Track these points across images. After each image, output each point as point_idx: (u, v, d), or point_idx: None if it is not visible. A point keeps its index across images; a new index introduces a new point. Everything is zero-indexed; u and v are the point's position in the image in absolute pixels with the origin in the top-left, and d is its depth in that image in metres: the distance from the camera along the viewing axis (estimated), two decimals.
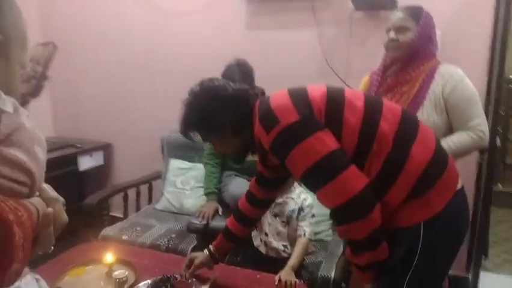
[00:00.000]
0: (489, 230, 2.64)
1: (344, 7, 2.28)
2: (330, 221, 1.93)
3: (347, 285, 1.70)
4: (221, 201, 2.18)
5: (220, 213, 2.10)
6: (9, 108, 0.52)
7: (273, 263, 1.68)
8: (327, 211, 1.10)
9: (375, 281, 1.13)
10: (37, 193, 0.60)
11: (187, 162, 2.48)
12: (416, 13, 1.57)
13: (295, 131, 1.06)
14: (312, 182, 1.10)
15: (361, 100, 1.12)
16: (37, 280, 0.69)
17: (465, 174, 2.08)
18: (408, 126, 1.12)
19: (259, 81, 2.17)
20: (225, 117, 1.19)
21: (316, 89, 1.16)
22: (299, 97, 1.12)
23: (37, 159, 0.57)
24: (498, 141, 2.14)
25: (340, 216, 1.07)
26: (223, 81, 1.27)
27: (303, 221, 1.72)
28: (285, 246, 1.75)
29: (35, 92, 0.96)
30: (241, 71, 2.05)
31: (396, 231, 1.10)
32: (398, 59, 1.59)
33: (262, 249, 1.78)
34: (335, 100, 1.11)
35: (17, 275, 0.53)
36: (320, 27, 2.35)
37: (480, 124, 1.50)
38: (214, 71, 2.14)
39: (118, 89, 2.93)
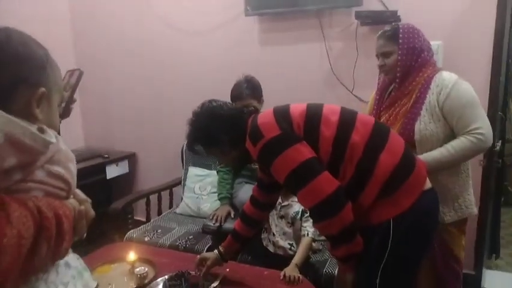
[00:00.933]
0: (500, 230, 2.70)
1: (349, 22, 2.41)
2: None
3: None
4: (233, 205, 2.32)
5: (232, 216, 2.23)
6: (53, 139, 0.71)
7: (281, 260, 1.80)
8: None
9: (355, 271, 1.28)
10: (72, 196, 0.80)
11: (204, 170, 2.66)
12: (393, 35, 1.64)
13: (277, 144, 1.24)
14: (292, 186, 1.26)
15: (336, 115, 1.29)
16: (77, 258, 0.85)
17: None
18: (378, 137, 1.27)
19: (272, 94, 2.32)
20: (222, 134, 1.37)
21: (297, 107, 1.33)
22: (281, 114, 1.29)
23: (71, 171, 0.77)
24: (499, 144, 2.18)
25: (315, 214, 1.24)
26: (221, 102, 1.46)
27: (307, 221, 1.85)
28: (291, 244, 1.89)
29: (65, 114, 1.11)
30: (250, 86, 2.21)
31: (369, 227, 1.24)
32: (394, 79, 1.68)
33: (271, 248, 1.93)
34: (312, 116, 1.29)
35: (66, 252, 0.74)
36: (328, 41, 2.48)
37: (480, 127, 1.50)
38: (230, 84, 2.31)
39: (140, 104, 3.15)
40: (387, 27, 1.72)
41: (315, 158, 1.22)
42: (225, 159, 1.51)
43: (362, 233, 1.24)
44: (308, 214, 1.84)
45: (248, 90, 2.19)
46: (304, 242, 1.81)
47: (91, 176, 2.83)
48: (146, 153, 3.22)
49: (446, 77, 1.58)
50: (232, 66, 2.71)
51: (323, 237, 2.07)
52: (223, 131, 1.37)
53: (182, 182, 2.73)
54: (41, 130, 0.70)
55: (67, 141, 1.31)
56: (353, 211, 1.20)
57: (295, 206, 1.89)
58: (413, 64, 1.62)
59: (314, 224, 1.29)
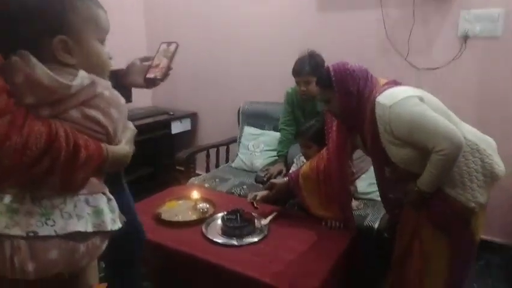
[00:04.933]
0: None
1: None
2: None
3: (389, 235, 1.95)
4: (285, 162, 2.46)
5: (283, 174, 2.36)
6: (76, 82, 0.71)
7: None
8: None
9: None
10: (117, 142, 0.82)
11: (258, 129, 2.86)
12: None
13: None
14: None
15: None
16: (109, 200, 0.83)
17: None
18: None
19: (326, 57, 2.41)
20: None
21: None
22: None
23: (112, 117, 0.78)
24: None
25: None
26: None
27: None
28: None
29: (163, 78, 1.33)
30: (312, 62, 2.23)
31: None
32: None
33: None
34: None
35: (84, 182, 0.76)
36: (385, 8, 2.50)
37: (436, 146, 1.37)
38: (286, 47, 2.44)
39: (202, 67, 3.38)
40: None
41: None
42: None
43: None
44: None
45: (309, 67, 2.21)
46: None
47: (158, 130, 3.17)
48: (206, 113, 3.49)
49: (379, 110, 1.46)
50: (289, 30, 2.85)
51: (369, 196, 2.23)
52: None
53: (238, 140, 2.97)
54: (74, 74, 0.73)
55: (136, 100, 1.41)
56: None
57: None
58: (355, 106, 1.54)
59: None
